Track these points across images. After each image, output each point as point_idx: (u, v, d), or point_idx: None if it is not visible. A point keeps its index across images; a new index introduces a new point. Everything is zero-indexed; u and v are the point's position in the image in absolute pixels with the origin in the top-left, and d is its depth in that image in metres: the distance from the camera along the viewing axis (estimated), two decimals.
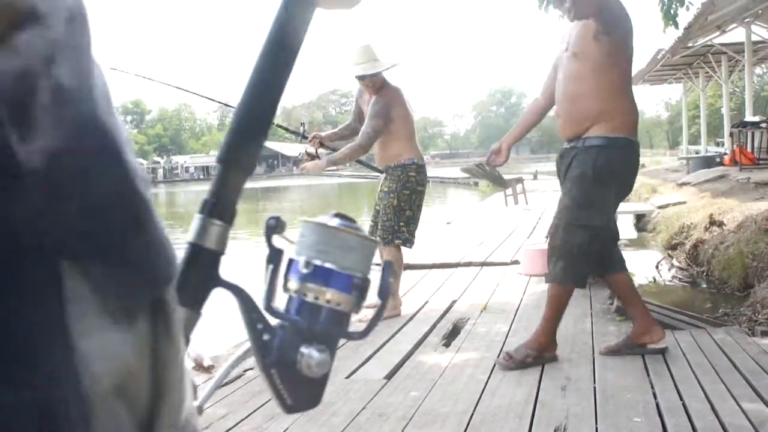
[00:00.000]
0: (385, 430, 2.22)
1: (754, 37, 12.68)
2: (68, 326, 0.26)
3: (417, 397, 2.50)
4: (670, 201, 9.29)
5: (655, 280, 5.92)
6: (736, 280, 5.02)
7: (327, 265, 0.57)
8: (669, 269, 6.32)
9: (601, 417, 2.27)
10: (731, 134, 12.21)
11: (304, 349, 0.55)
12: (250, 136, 0.57)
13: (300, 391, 0.57)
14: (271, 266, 0.58)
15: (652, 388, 2.54)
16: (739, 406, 2.32)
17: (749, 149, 11.14)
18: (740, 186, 8.54)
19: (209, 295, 0.55)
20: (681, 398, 2.41)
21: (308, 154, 3.92)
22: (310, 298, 0.57)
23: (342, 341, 0.63)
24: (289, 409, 0.58)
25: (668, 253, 6.87)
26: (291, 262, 0.59)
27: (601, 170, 2.67)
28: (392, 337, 3.39)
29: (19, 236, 0.25)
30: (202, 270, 0.55)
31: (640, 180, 14.17)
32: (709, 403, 2.35)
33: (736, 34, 13.12)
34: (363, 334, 0.61)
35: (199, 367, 3.15)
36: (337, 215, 0.60)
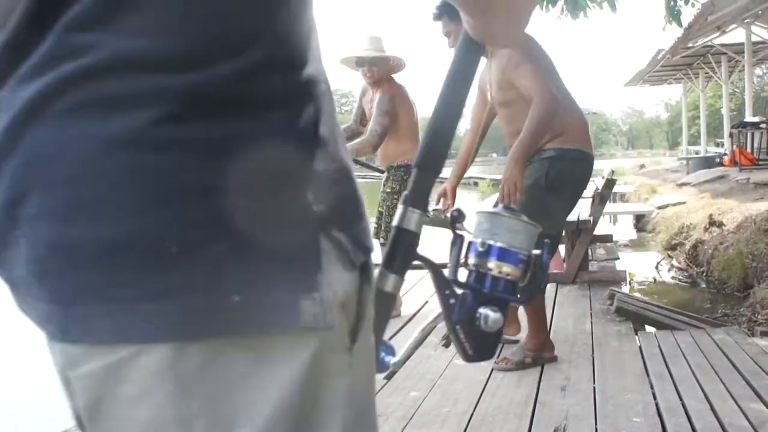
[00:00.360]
0: (385, 430, 2.22)
1: (754, 38, 12.69)
2: (321, 266, 0.46)
3: (417, 397, 2.50)
4: (670, 201, 9.29)
5: (654, 280, 5.92)
6: (735, 280, 5.03)
7: (498, 244, 0.74)
8: (669, 269, 6.32)
9: (601, 417, 2.27)
10: (731, 135, 12.22)
11: (481, 310, 0.72)
12: (436, 147, 0.73)
13: (478, 344, 0.74)
14: (455, 247, 0.77)
15: (652, 388, 2.54)
16: (739, 406, 2.32)
17: (749, 150, 11.15)
18: (740, 186, 8.55)
19: (410, 265, 0.71)
20: (681, 398, 2.42)
21: None
22: (485, 270, 0.74)
23: None
24: (470, 359, 0.75)
25: (668, 254, 6.87)
26: (470, 243, 0.76)
27: (553, 180, 2.68)
28: (392, 337, 3.35)
29: (300, 217, 0.46)
30: (405, 246, 0.71)
31: (640, 180, 14.22)
32: (709, 404, 2.36)
33: (736, 35, 13.14)
34: (529, 299, 0.78)
35: None
36: (506, 207, 0.79)
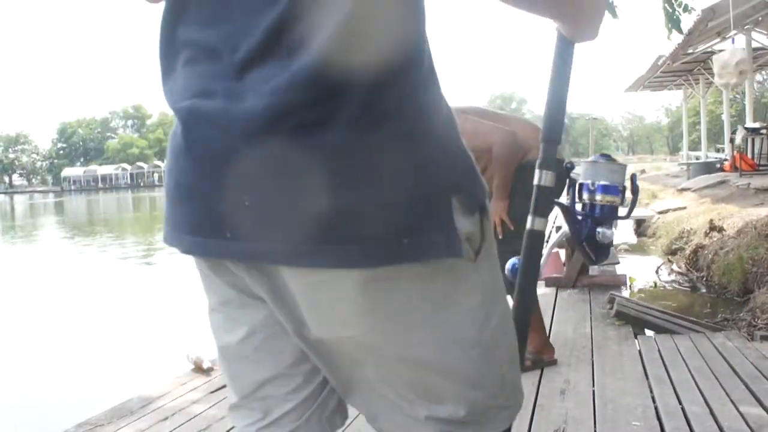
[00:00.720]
0: None
1: (754, 44, 12.70)
2: (453, 216, 0.69)
3: None
4: (671, 206, 9.28)
5: (655, 284, 5.91)
6: (735, 285, 5.01)
7: (602, 182, 1.06)
8: (669, 274, 6.31)
9: (600, 421, 2.26)
10: (731, 140, 12.22)
11: (599, 229, 1.05)
12: (555, 124, 1.02)
13: (598, 252, 1.07)
14: (572, 189, 1.10)
15: (651, 392, 2.54)
16: (738, 410, 2.31)
17: (749, 155, 11.14)
18: (740, 192, 8.55)
19: (552, 209, 1.05)
20: (680, 402, 2.41)
21: None
22: (595, 202, 1.07)
23: None
24: (593, 263, 1.11)
25: (668, 258, 6.87)
26: (581, 185, 1.09)
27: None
28: None
29: (439, 186, 0.68)
30: (544, 197, 1.02)
31: (640, 185, 14.20)
32: (708, 408, 2.35)
33: (736, 41, 13.13)
34: (626, 216, 1.11)
35: (199, 369, 3.14)
36: (602, 155, 1.10)
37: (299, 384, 0.81)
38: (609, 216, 1.06)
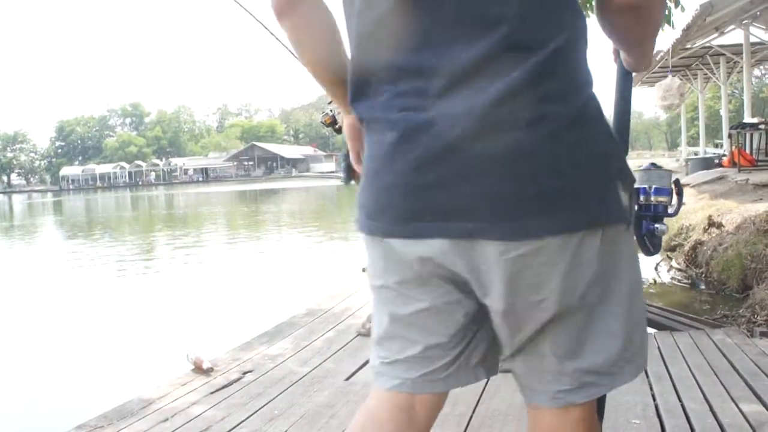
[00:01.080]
0: None
1: (753, 39, 12.69)
2: (620, 193, 0.89)
3: None
4: None
5: (654, 281, 5.92)
6: (734, 281, 5.02)
7: (655, 186, 1.26)
8: (668, 270, 6.32)
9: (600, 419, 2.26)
10: (730, 136, 12.22)
11: (656, 225, 1.23)
12: (621, 136, 1.21)
13: (655, 244, 1.25)
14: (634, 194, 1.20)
15: (651, 389, 2.54)
16: (738, 407, 2.32)
17: (748, 151, 11.15)
18: (739, 187, 8.55)
19: (635, 208, 1.14)
20: (680, 400, 2.42)
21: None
22: (650, 203, 1.25)
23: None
24: (651, 254, 1.25)
25: (667, 255, 6.87)
26: (638, 189, 1.24)
27: None
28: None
29: (611, 176, 0.89)
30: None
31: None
32: (708, 405, 2.36)
33: (734, 36, 13.15)
34: (675, 214, 1.28)
35: (198, 369, 3.14)
36: (652, 164, 1.32)
37: (457, 343, 0.95)
38: (662, 213, 1.25)
